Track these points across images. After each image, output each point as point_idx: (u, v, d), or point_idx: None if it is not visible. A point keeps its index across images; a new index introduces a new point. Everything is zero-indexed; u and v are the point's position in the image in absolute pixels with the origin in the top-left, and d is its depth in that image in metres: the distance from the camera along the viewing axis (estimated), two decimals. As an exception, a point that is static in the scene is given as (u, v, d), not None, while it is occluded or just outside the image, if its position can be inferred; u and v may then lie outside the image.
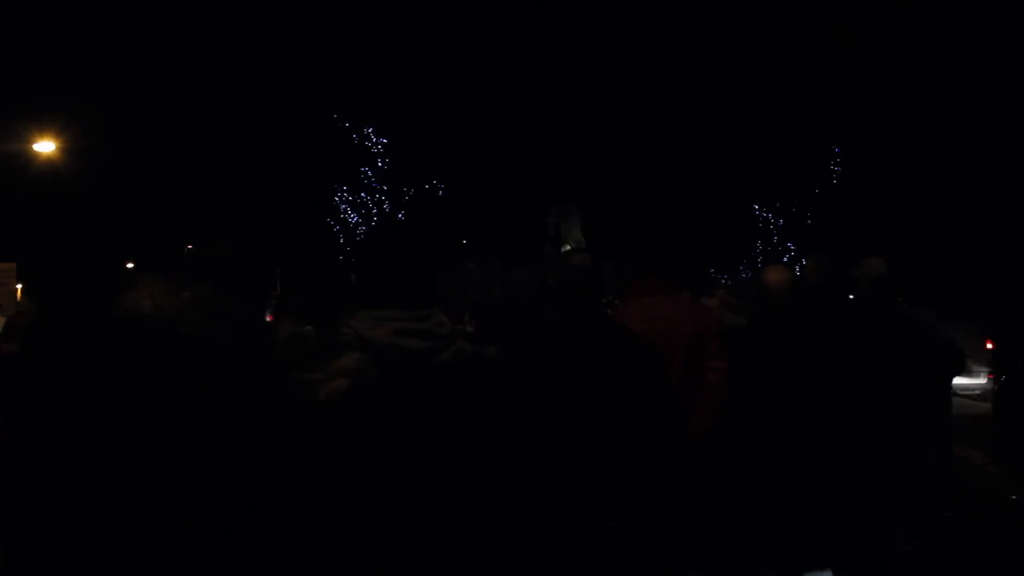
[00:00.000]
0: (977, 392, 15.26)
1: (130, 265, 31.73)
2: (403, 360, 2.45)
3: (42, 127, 21.59)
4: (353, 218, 30.29)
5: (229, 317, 2.22)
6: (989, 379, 14.75)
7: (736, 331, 4.42)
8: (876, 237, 27.16)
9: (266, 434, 2.15)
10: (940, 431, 5.83)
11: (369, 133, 30.28)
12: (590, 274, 3.28)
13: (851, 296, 5.52)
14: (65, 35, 28.31)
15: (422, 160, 31.12)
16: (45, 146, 21.13)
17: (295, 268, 30.28)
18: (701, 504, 3.80)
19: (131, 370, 2.09)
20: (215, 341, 2.12)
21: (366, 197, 30.42)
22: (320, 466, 2.28)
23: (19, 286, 13.50)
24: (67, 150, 22.80)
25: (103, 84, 27.88)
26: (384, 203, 30.43)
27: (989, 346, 14.76)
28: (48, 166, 22.48)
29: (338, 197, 30.27)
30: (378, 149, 30.39)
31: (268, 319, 2.96)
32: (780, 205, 35.67)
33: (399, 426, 2.41)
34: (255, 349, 2.22)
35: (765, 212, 36.26)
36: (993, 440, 10.85)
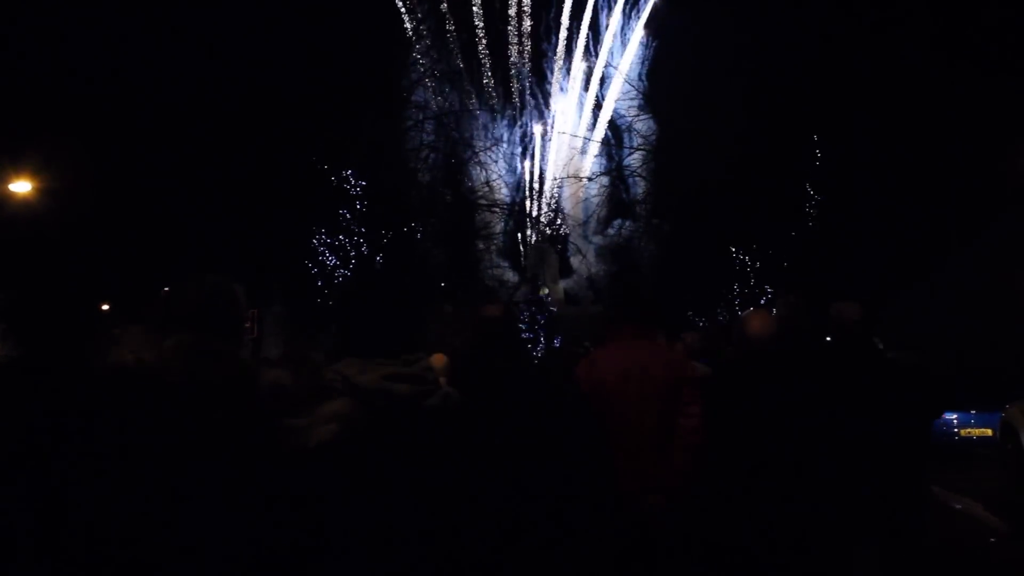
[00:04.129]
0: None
1: (106, 307, 31.56)
2: (392, 405, 2.46)
3: (18, 167, 21.56)
4: (331, 261, 30.27)
5: (211, 362, 2.22)
6: None
7: (706, 377, 4.44)
8: (852, 279, 27.42)
9: (252, 482, 2.15)
10: (919, 471, 5.83)
11: (348, 176, 30.38)
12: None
13: (828, 338, 5.55)
14: (41, 78, 28.29)
15: (401, 203, 31.26)
16: (21, 186, 21.10)
17: (271, 311, 30.27)
18: (678, 545, 3.79)
19: (119, 424, 2.08)
20: (203, 386, 2.13)
21: (344, 239, 30.42)
22: (310, 510, 2.27)
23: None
24: (43, 190, 22.75)
25: (79, 124, 27.84)
26: (362, 246, 30.44)
27: None
28: (24, 206, 22.40)
29: (316, 240, 30.25)
30: (357, 192, 30.47)
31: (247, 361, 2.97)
32: (757, 248, 35.94)
33: (387, 469, 2.41)
34: (239, 393, 2.22)
35: (742, 255, 36.52)
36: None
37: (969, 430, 14.07)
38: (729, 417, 4.20)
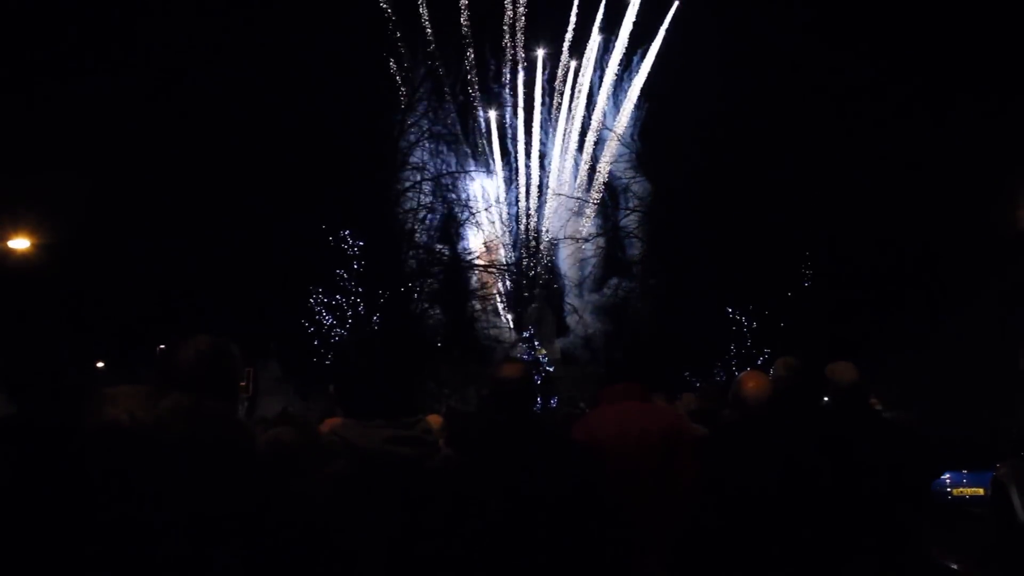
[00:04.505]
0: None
1: (100, 364, 31.45)
2: (393, 467, 2.45)
3: (17, 224, 21.66)
4: (328, 320, 30.26)
5: (207, 420, 2.21)
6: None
7: (704, 439, 4.43)
8: (848, 340, 27.44)
9: (250, 542, 2.12)
10: (916, 535, 5.78)
11: (346, 236, 30.52)
12: (519, 384, 3.21)
13: (825, 399, 5.53)
14: (41, 136, 28.60)
15: (398, 263, 31.38)
16: (20, 243, 21.19)
17: (267, 369, 30.13)
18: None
19: (112, 482, 2.07)
20: (197, 445, 2.11)
21: (341, 299, 30.45)
22: (309, 570, 2.25)
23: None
24: (41, 247, 22.82)
25: (79, 182, 28.06)
26: (359, 305, 30.46)
27: None
28: (22, 263, 22.44)
29: (313, 299, 30.28)
30: (354, 251, 30.58)
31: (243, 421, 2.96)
32: (753, 308, 36.00)
33: (388, 530, 2.39)
34: (235, 453, 2.21)
35: (738, 315, 36.56)
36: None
37: (962, 489, 14.16)
38: (726, 480, 4.18)
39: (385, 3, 40.52)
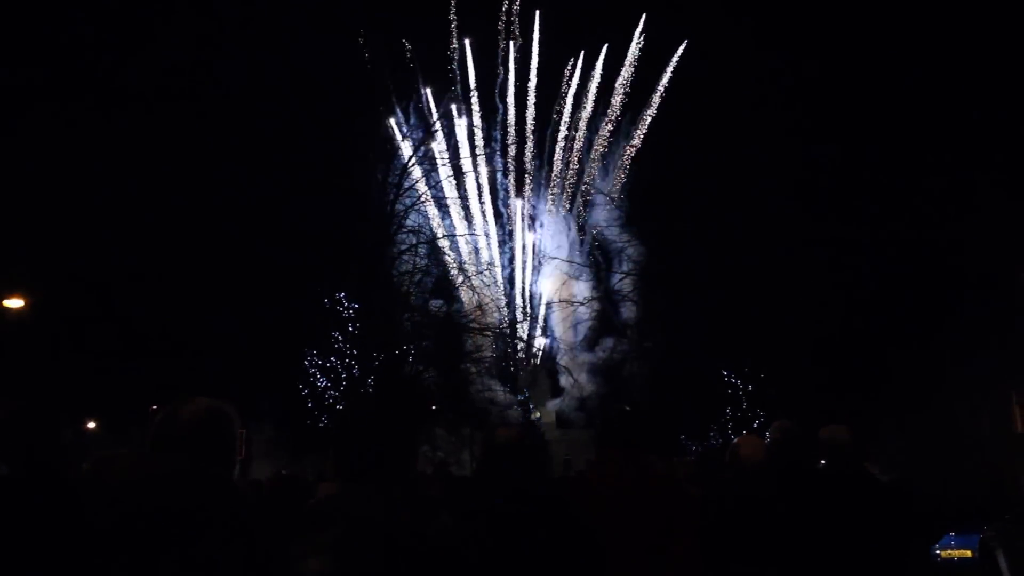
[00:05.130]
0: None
1: (92, 424, 31.24)
2: (393, 535, 2.42)
3: (12, 284, 21.68)
4: (322, 382, 30.14)
5: (202, 483, 2.20)
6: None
7: (703, 501, 4.40)
8: (844, 401, 27.39)
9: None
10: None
11: (341, 298, 30.57)
12: (517, 450, 3.19)
13: (822, 462, 5.52)
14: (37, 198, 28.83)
15: (393, 326, 31.36)
16: (15, 303, 21.17)
17: (260, 431, 29.91)
18: None
19: (105, 544, 2.05)
20: (191, 508, 2.10)
21: (336, 361, 30.37)
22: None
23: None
24: (36, 306, 22.81)
25: (74, 244, 28.21)
26: (354, 368, 30.37)
27: None
28: (15, 322, 22.39)
29: (307, 361, 30.20)
30: (349, 314, 30.60)
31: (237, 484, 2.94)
32: (748, 371, 35.98)
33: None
34: (231, 517, 2.20)
35: (733, 378, 36.52)
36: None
37: (950, 552, 14.17)
38: (724, 543, 4.15)
39: (379, 69, 41.21)
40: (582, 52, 47.30)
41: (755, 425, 33.87)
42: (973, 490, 16.98)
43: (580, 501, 4.29)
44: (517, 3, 47.13)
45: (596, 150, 47.63)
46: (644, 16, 46.34)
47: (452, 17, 46.45)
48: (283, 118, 31.71)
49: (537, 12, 47.12)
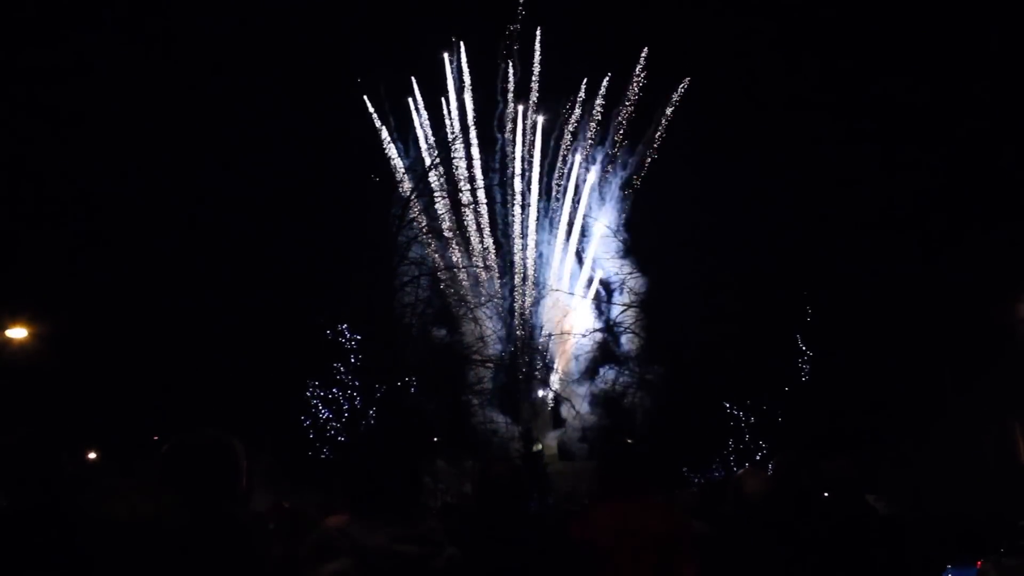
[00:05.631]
0: None
1: (92, 455, 31.11)
2: (398, 565, 2.43)
3: (15, 314, 21.74)
4: (324, 413, 30.09)
5: (208, 515, 2.22)
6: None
7: (704, 535, 4.40)
8: (847, 435, 27.30)
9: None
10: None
11: (343, 329, 30.58)
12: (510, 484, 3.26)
13: (826, 494, 5.51)
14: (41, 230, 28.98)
15: (395, 357, 31.36)
16: (17, 332, 21.22)
17: (261, 462, 29.82)
18: None
19: (107, 574, 2.06)
20: (198, 541, 2.11)
21: (338, 393, 30.34)
22: None
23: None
24: (40, 336, 22.85)
25: (76, 274, 28.31)
26: (356, 399, 30.33)
27: None
28: (19, 353, 22.43)
29: (309, 392, 30.17)
30: (351, 345, 30.60)
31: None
32: (751, 403, 35.85)
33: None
34: (239, 549, 2.21)
35: (736, 410, 36.38)
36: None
37: None
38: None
39: (379, 104, 41.53)
40: (584, 80, 47.39)
41: (758, 457, 33.71)
42: (975, 522, 16.84)
43: (584, 535, 4.29)
44: (518, 25, 47.21)
45: (595, 181, 47.73)
46: (646, 50, 46.59)
47: (452, 40, 46.57)
48: (287, 150, 31.94)
49: (538, 41, 47.22)
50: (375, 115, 42.05)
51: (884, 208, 32.49)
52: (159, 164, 31.75)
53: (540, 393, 47.19)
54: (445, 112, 45.52)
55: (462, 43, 46.20)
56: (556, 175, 48.34)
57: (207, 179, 31.57)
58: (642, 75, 46.94)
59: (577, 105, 47.65)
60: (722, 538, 4.46)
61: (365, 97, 41.62)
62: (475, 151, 45.73)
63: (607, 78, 47.07)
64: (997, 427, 28.20)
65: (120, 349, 28.68)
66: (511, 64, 47.02)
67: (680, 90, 45.96)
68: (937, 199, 31.10)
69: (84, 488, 2.37)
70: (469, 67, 46.57)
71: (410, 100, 44.63)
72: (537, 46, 47.21)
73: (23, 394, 24.25)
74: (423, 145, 43.44)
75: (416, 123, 44.50)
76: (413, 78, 44.69)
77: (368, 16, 41.38)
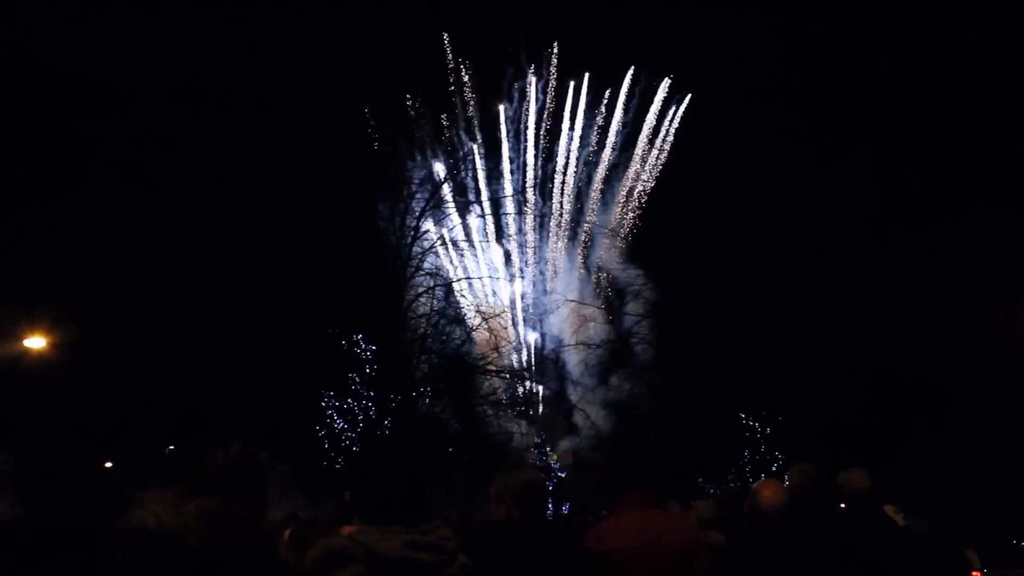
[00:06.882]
0: None
1: (108, 464, 31.23)
2: (412, 573, 2.46)
3: (34, 324, 21.87)
4: (339, 423, 30.14)
5: (234, 527, 2.25)
6: None
7: (720, 546, 4.41)
8: (864, 444, 27.16)
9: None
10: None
11: (358, 340, 30.65)
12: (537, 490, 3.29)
13: (842, 505, 5.51)
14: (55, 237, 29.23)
15: (410, 368, 31.40)
16: (36, 342, 21.33)
17: (276, 472, 29.87)
18: None
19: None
20: (223, 553, 2.14)
21: (353, 403, 30.39)
22: None
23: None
24: (58, 346, 22.98)
25: (93, 283, 28.48)
26: (371, 409, 30.37)
27: None
28: (37, 363, 22.54)
29: (324, 402, 30.24)
30: (366, 356, 30.66)
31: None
32: (766, 414, 35.70)
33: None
34: (260, 562, 2.23)
35: (751, 421, 36.22)
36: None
37: None
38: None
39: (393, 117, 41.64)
40: (584, 83, 47.33)
41: (774, 468, 33.55)
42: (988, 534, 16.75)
43: (600, 547, 4.31)
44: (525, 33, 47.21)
45: (603, 189, 47.74)
46: (645, 61, 46.52)
47: (460, 70, 46.61)
48: (301, 163, 32.07)
49: (555, 52, 47.19)
50: (388, 125, 42.14)
51: (901, 215, 32.41)
52: (180, 175, 32.00)
53: (553, 402, 47.07)
54: (455, 121, 45.66)
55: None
56: (564, 182, 48.35)
57: (223, 192, 31.75)
58: (656, 83, 47.00)
59: (588, 112, 47.70)
60: (738, 549, 4.47)
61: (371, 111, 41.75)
62: (486, 161, 45.83)
63: (626, 83, 47.05)
64: (1015, 438, 28.01)
65: (136, 359, 28.81)
66: (525, 73, 47.06)
67: (684, 104, 46.08)
68: (951, 206, 31.01)
69: (101, 498, 2.40)
70: (476, 75, 46.60)
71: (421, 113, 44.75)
72: (555, 54, 47.22)
73: (39, 405, 24.40)
74: (438, 156, 43.61)
75: (431, 135, 44.65)
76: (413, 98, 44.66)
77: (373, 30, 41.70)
